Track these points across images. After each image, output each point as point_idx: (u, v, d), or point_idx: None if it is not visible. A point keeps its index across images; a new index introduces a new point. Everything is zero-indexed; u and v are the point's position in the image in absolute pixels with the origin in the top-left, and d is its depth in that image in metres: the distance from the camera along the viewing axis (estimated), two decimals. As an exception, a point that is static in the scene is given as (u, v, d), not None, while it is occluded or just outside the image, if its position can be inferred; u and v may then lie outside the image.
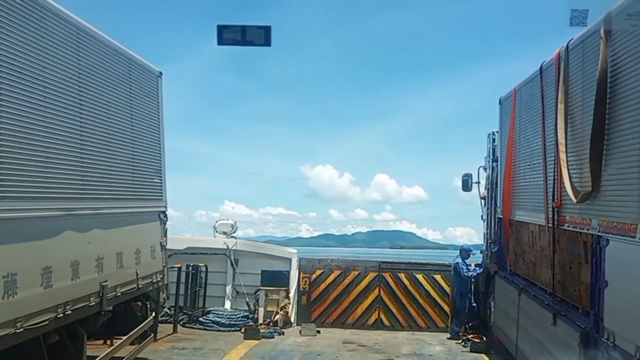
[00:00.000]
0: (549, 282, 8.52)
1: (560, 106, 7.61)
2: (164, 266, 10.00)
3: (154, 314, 9.75)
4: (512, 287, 10.44)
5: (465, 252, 14.22)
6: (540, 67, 8.94)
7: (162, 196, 9.98)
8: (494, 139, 12.67)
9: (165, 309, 14.05)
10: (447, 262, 15.34)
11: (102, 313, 7.65)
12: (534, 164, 9.29)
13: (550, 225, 8.18)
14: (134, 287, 8.65)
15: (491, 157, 12.72)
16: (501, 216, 11.47)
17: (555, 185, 7.95)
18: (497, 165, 12.36)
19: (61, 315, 6.51)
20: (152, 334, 9.61)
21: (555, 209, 7.92)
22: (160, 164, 9.89)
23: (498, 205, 11.84)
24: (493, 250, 12.28)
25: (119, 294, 8.11)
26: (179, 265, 13.65)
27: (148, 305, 9.41)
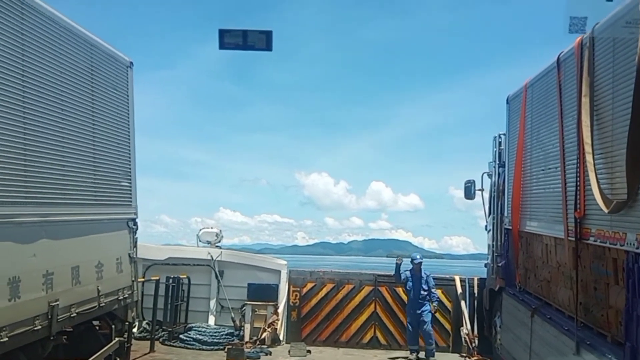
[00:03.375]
0: (568, 303, 7.49)
1: (585, 100, 6.59)
2: (133, 281, 8.91)
3: (123, 336, 8.66)
4: (522, 307, 9.38)
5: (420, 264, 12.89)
6: (558, 59, 7.92)
7: (131, 202, 8.89)
8: (500, 142, 11.64)
9: (144, 325, 12.99)
10: (447, 276, 14.27)
11: (52, 337, 6.54)
12: (549, 168, 8.25)
13: (571, 238, 7.14)
14: (94, 306, 7.54)
15: (497, 162, 11.68)
16: (509, 227, 10.43)
17: (578, 193, 6.91)
18: (504, 171, 11.33)
19: (-7, 343, 5.43)
20: (118, 359, 8.45)
21: (578, 220, 6.88)
22: (130, 165, 8.82)
23: (505, 215, 10.79)
24: (499, 265, 11.23)
25: (75, 314, 7.01)
26: (157, 278, 12.54)
27: (114, 326, 8.28)
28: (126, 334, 8.86)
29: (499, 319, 11.42)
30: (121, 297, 8.39)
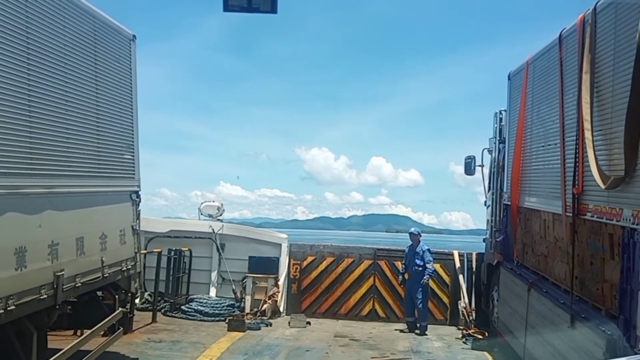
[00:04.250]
0: (564, 277, 7.61)
1: (585, 77, 6.62)
2: (136, 252, 9.02)
3: (126, 306, 8.81)
4: (519, 281, 9.52)
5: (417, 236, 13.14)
6: (560, 36, 7.92)
7: (134, 174, 8.96)
8: (500, 119, 11.68)
9: (147, 296, 13.17)
10: (446, 250, 14.44)
11: (58, 307, 6.67)
12: (549, 144, 8.32)
13: (569, 214, 7.24)
14: (99, 277, 7.65)
15: (497, 138, 11.74)
16: (508, 203, 10.52)
17: (577, 169, 6.98)
18: (504, 147, 11.40)
19: (1, 311, 5.55)
20: (122, 328, 8.63)
21: (576, 196, 6.96)
22: (133, 138, 8.87)
23: (505, 190, 10.88)
24: (498, 239, 11.34)
25: (79, 284, 7.12)
26: (159, 250, 12.68)
27: (117, 297, 8.42)
28: (129, 304, 9.03)
29: (497, 293, 11.59)
30: (124, 268, 8.51)
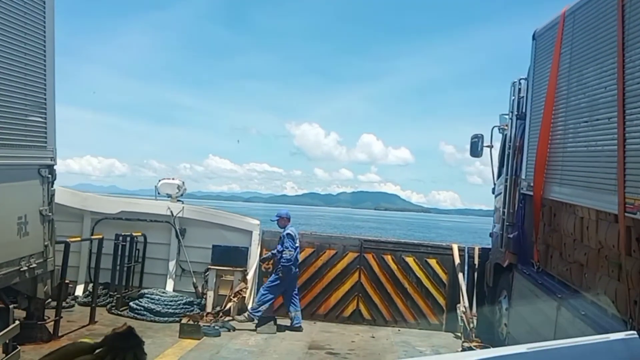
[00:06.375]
0: (614, 299, 5.60)
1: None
2: (46, 245, 6.89)
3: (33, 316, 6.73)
4: (542, 293, 7.53)
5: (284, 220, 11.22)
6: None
7: (45, 143, 6.80)
8: (519, 89, 9.54)
9: (90, 289, 11.11)
10: (444, 244, 12.41)
11: None
12: (597, 119, 6.22)
13: (630, 214, 5.20)
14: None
15: (515, 112, 9.60)
16: (528, 192, 8.47)
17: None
18: (523, 124, 9.29)
19: None
20: (18, 348, 6.48)
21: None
22: (44, 96, 6.69)
23: (523, 176, 8.81)
24: (510, 236, 9.33)
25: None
26: (100, 237, 10.55)
27: (11, 306, 6.30)
28: (39, 312, 6.94)
29: (506, 300, 9.62)
30: (25, 268, 6.38)
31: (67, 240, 8.71)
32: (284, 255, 10.73)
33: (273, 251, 11.27)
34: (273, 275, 10.99)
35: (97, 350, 1.93)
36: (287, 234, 10.87)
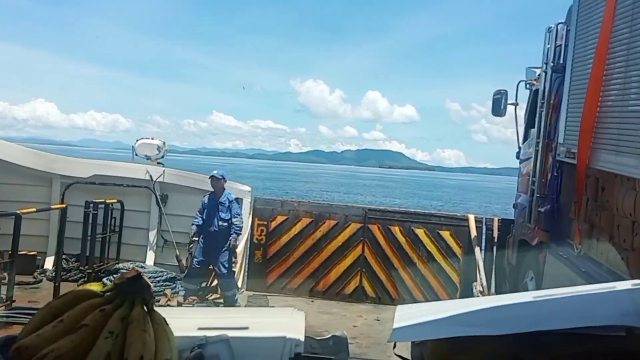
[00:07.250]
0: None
1: None
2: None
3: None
4: (586, 283, 6.18)
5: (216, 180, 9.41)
6: None
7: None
8: (557, 36, 8.00)
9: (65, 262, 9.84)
10: (459, 214, 11.08)
11: None
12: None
13: None
14: None
15: (551, 64, 8.07)
16: (567, 159, 7.04)
17: None
18: (560, 77, 7.79)
19: None
20: None
21: None
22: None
23: (561, 141, 7.35)
24: (541, 209, 7.94)
25: None
26: (63, 206, 9.19)
27: None
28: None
29: (533, 282, 8.30)
30: None
31: (18, 211, 7.39)
32: (236, 223, 9.23)
33: (197, 221, 9.36)
34: (226, 252, 9.24)
35: (106, 294, 1.57)
36: (235, 199, 9.41)
